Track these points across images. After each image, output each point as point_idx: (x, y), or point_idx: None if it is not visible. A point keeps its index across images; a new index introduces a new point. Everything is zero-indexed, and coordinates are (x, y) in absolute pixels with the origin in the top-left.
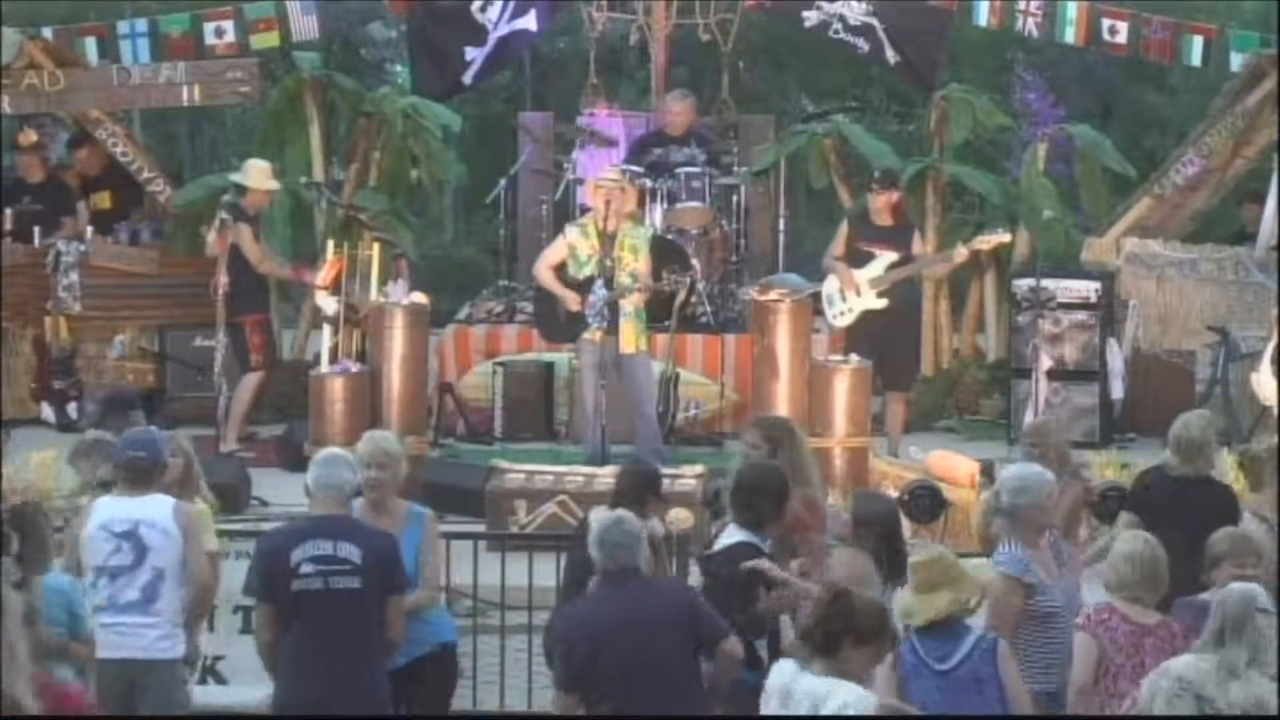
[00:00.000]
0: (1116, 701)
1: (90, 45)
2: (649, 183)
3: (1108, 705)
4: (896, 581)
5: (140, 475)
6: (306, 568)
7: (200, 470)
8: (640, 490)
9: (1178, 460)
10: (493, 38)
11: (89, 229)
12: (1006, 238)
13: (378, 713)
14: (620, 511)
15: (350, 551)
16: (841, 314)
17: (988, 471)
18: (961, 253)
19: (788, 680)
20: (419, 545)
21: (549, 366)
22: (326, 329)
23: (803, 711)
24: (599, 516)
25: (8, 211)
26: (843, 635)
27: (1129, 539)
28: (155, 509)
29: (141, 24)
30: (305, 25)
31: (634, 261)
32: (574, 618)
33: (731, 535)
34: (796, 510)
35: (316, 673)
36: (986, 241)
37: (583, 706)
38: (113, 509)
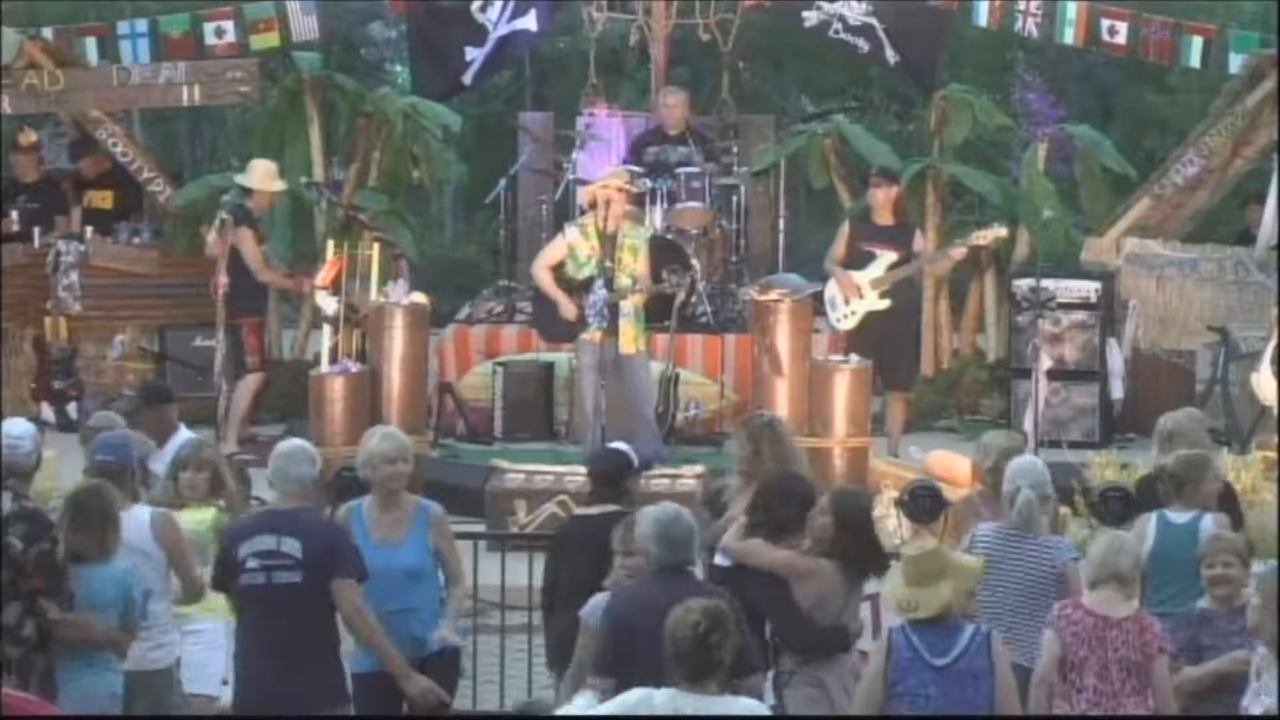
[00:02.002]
0: (1078, 695)
1: (90, 45)
2: (649, 183)
3: (1072, 697)
4: (878, 573)
5: (111, 480)
6: (251, 563)
7: (227, 472)
8: (614, 477)
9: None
10: (493, 38)
11: (89, 229)
12: (1004, 232)
13: (329, 707)
14: (678, 507)
15: (292, 546)
16: (845, 317)
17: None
18: (960, 250)
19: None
20: (431, 544)
21: (549, 366)
22: (326, 329)
23: None
24: (657, 512)
25: (14, 214)
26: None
27: (1099, 538)
28: (132, 529)
29: (141, 24)
30: (305, 25)
31: (634, 262)
32: (626, 603)
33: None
34: None
35: (267, 667)
36: (984, 237)
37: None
38: None
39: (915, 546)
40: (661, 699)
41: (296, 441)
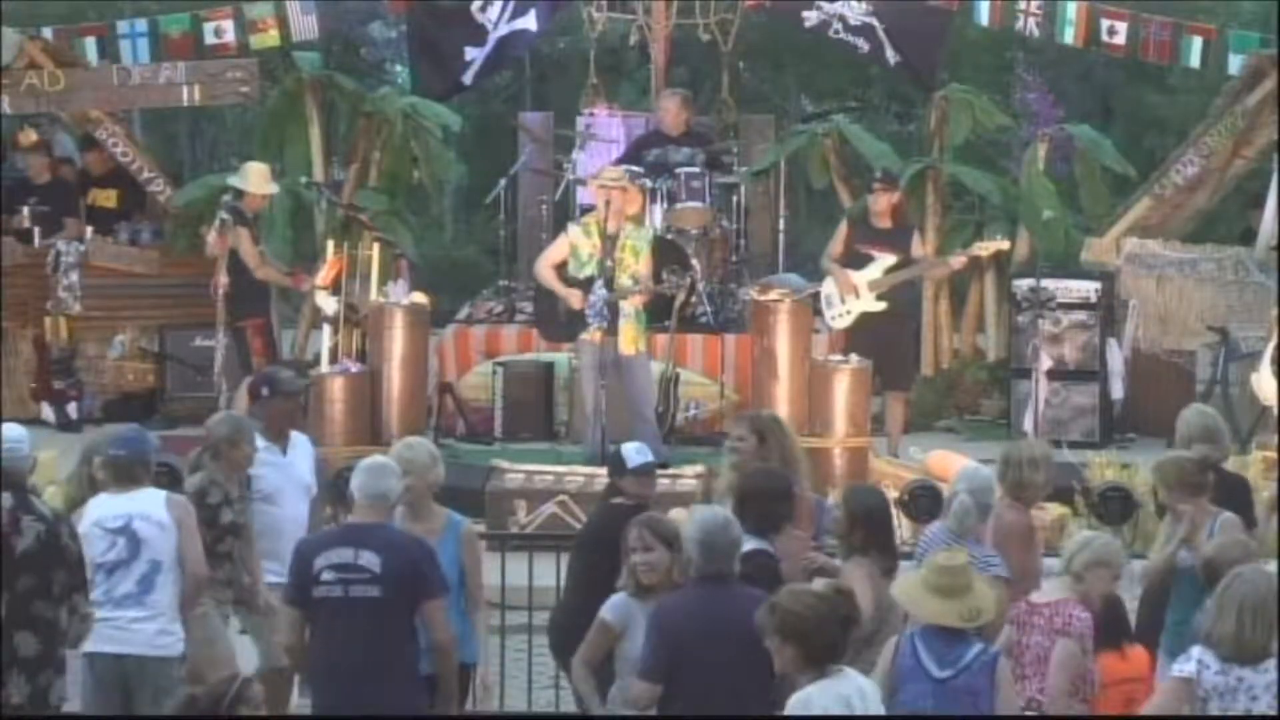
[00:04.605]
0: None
1: (90, 45)
2: (649, 183)
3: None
4: (891, 574)
5: (123, 472)
6: (327, 575)
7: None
8: (609, 474)
9: (1208, 448)
10: (493, 38)
11: (89, 229)
12: (1005, 245)
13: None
14: (728, 515)
15: (370, 560)
16: (840, 316)
17: None
18: (960, 260)
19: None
20: (457, 560)
21: (549, 366)
22: (326, 329)
23: None
24: (705, 518)
25: (25, 210)
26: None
27: (1073, 538)
28: (148, 502)
29: (141, 24)
30: (305, 25)
31: (635, 263)
32: (674, 612)
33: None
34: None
35: (343, 681)
36: (985, 248)
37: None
38: (106, 506)
39: (946, 557)
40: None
41: (382, 457)
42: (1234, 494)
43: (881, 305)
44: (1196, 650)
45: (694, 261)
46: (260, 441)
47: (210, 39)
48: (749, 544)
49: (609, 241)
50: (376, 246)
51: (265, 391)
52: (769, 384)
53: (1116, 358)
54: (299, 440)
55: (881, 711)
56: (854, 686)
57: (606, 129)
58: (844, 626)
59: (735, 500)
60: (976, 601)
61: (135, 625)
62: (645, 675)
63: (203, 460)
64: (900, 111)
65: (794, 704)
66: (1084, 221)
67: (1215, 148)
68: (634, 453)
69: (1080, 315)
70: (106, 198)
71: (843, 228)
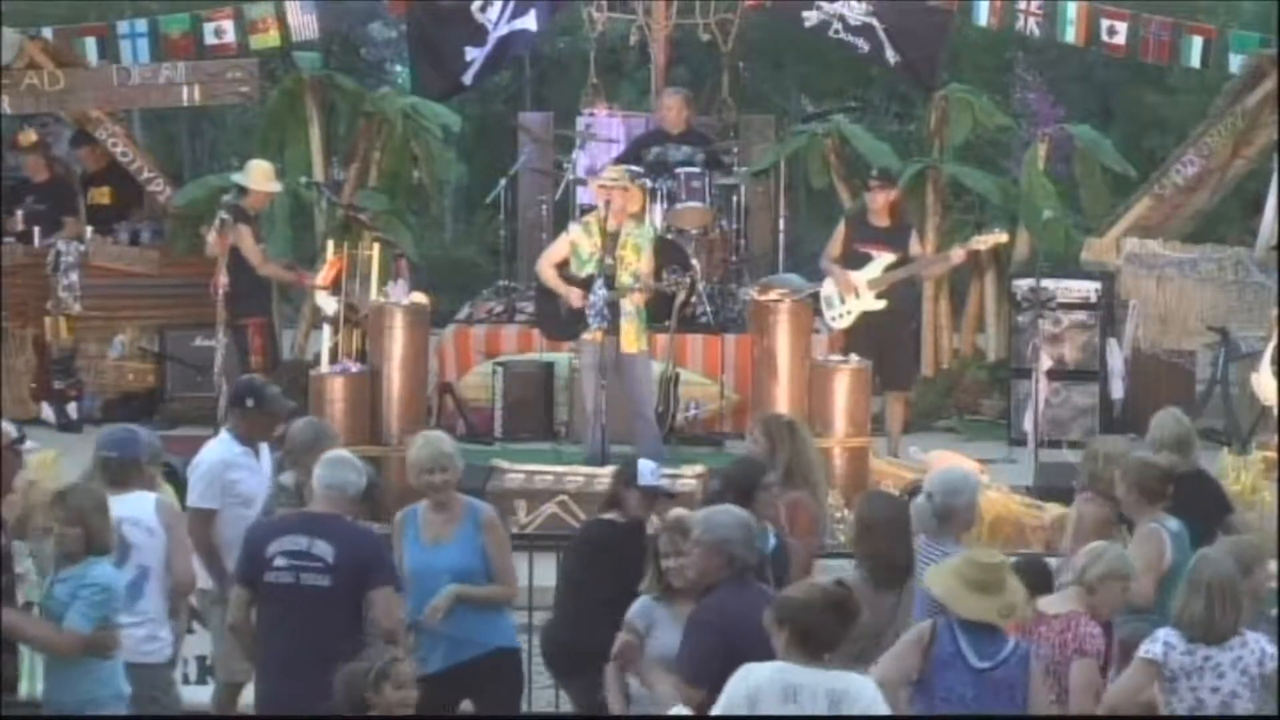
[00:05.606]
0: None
1: (90, 45)
2: (649, 183)
3: None
4: (892, 586)
5: (113, 474)
6: (280, 561)
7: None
8: (613, 484)
9: (1178, 457)
10: (493, 38)
11: (89, 229)
12: (1004, 237)
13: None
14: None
15: (324, 550)
16: (840, 316)
17: None
18: (959, 254)
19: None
20: (479, 546)
21: (549, 366)
22: (326, 329)
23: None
24: (740, 516)
25: (19, 213)
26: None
27: (1085, 547)
28: (138, 507)
29: (141, 24)
30: (305, 25)
31: (636, 261)
32: (722, 612)
33: None
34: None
35: (289, 669)
36: (984, 242)
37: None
38: None
39: (983, 554)
40: (767, 672)
41: (345, 451)
42: (1205, 496)
43: (882, 304)
44: (1163, 633)
45: (694, 261)
46: (237, 447)
47: (210, 39)
48: None
49: (610, 239)
50: (376, 246)
51: (250, 402)
52: (769, 384)
53: (1116, 358)
54: (263, 448)
55: (880, 712)
56: (819, 681)
57: (606, 129)
58: (840, 617)
59: (718, 491)
60: (1012, 598)
61: (124, 632)
62: (695, 681)
63: (284, 465)
64: (900, 111)
65: (736, 675)
66: (1084, 221)
67: (1215, 148)
68: (649, 472)
69: (1080, 315)
70: (101, 194)
71: (841, 228)
